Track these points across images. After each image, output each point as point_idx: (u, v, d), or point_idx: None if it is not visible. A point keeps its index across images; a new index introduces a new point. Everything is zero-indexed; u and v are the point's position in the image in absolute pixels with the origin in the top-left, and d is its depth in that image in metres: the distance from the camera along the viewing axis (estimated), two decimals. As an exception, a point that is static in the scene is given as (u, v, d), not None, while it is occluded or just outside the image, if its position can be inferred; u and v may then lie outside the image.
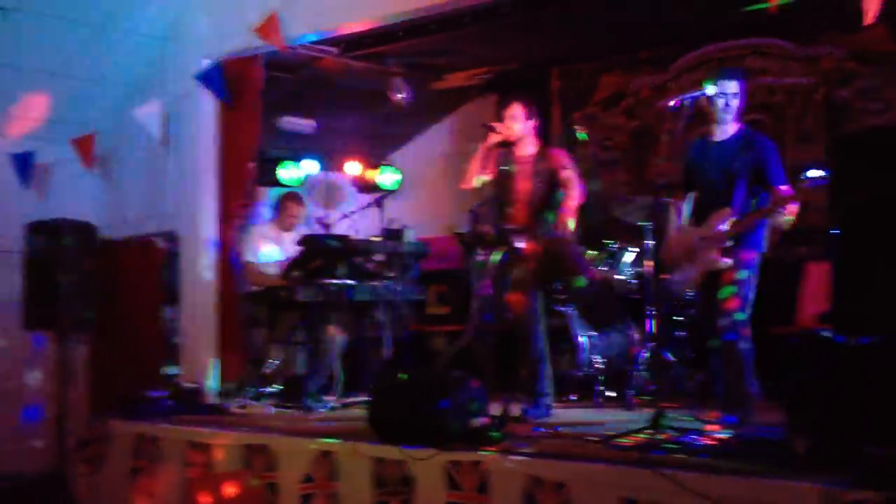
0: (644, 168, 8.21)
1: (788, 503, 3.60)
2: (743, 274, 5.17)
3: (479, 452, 4.59)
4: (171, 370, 7.40)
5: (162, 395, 6.58)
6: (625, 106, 8.39)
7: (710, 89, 5.13)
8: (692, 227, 5.41)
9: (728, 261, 5.18)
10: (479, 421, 4.90)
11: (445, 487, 4.61)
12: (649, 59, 8.29)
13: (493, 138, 5.80)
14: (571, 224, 5.66)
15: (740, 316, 5.13)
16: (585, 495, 4.18)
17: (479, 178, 5.83)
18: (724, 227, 5.20)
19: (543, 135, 6.05)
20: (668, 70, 8.09)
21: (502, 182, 5.89)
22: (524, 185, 5.82)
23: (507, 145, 5.90)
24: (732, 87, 5.25)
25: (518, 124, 5.85)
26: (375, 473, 4.88)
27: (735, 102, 5.27)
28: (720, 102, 5.24)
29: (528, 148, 5.91)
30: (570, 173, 5.76)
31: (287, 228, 7.34)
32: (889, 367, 3.72)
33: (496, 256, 5.61)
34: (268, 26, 6.76)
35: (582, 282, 5.94)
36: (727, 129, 5.31)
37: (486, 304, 5.49)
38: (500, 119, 5.93)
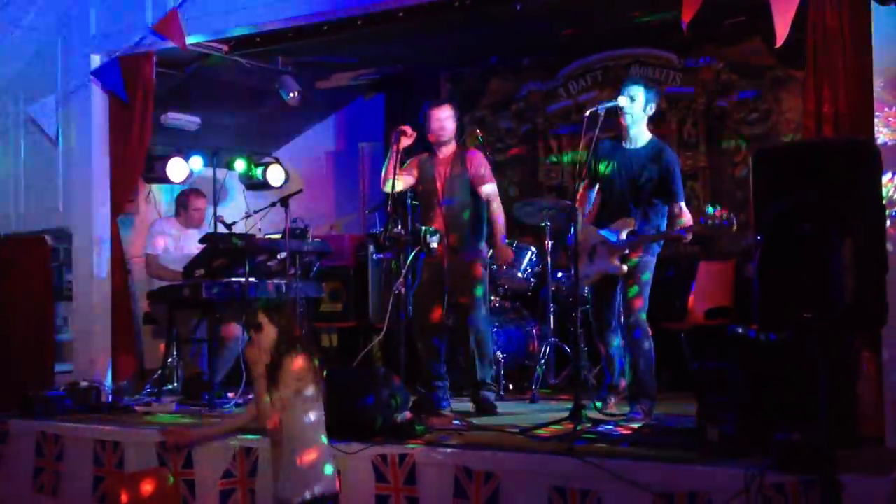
0: (535, 169, 8.53)
1: (713, 487, 3.90)
2: (647, 276, 5.51)
3: (406, 445, 4.74)
4: (62, 367, 7.22)
5: (60, 393, 6.43)
6: (514, 109, 8.67)
7: (622, 100, 5.42)
8: (594, 229, 5.67)
9: (624, 267, 5.50)
10: (402, 416, 5.06)
11: (373, 480, 4.74)
12: (534, 65, 8.60)
13: (405, 141, 5.93)
14: (500, 237, 5.93)
15: (644, 315, 5.47)
16: (515, 485, 4.39)
17: (398, 180, 5.90)
18: (624, 237, 5.50)
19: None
20: (556, 77, 8.41)
21: (425, 184, 6.04)
22: (442, 187, 5.98)
23: (431, 148, 6.05)
24: (649, 95, 5.50)
25: (450, 124, 6.01)
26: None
27: (649, 110, 5.52)
28: (630, 111, 5.50)
29: (450, 149, 6.07)
30: (491, 188, 6.00)
31: (193, 224, 7.29)
32: (796, 358, 4.09)
33: (410, 256, 5.76)
34: (168, 23, 6.68)
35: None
36: (637, 136, 5.57)
37: (401, 304, 5.63)
38: (415, 120, 6.06)
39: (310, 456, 4.38)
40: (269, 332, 4.42)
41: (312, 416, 4.40)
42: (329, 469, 4.42)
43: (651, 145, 5.57)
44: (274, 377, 4.38)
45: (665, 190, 5.47)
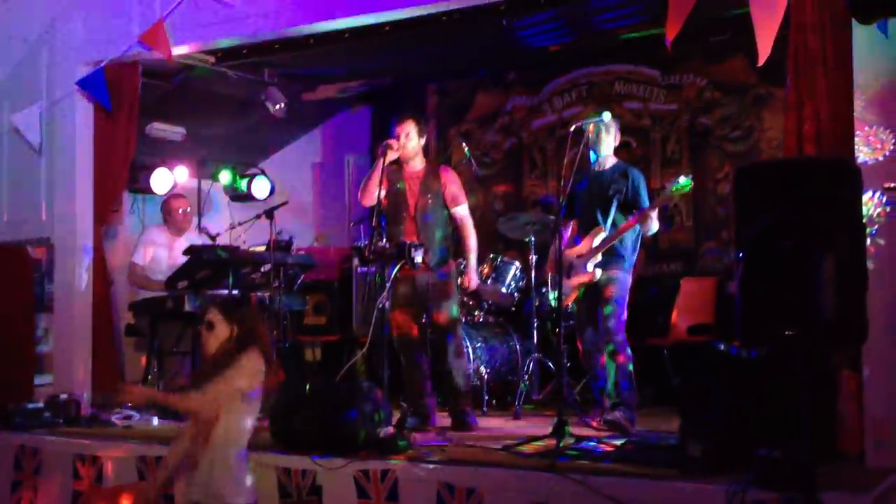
0: (520, 184, 8.55)
1: (695, 503, 3.91)
2: (619, 294, 5.63)
3: (388, 461, 4.73)
4: (42, 380, 7.18)
5: (39, 406, 6.39)
6: (500, 124, 8.70)
7: (607, 115, 5.49)
8: (570, 250, 5.79)
9: (599, 272, 5.58)
10: (385, 430, 5.04)
11: (355, 496, 4.73)
12: (519, 80, 8.63)
13: (391, 155, 5.93)
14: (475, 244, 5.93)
15: (620, 334, 5.54)
16: (497, 501, 4.38)
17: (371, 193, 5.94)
18: (596, 242, 5.62)
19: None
20: (542, 92, 8.44)
21: (393, 199, 6.03)
22: (414, 202, 5.98)
23: (397, 162, 6.05)
24: (612, 121, 5.74)
25: (412, 141, 6.01)
26: (281, 483, 4.94)
27: (613, 137, 5.78)
28: (603, 133, 5.69)
29: (418, 164, 6.08)
30: (464, 209, 6.05)
31: (178, 231, 7.28)
32: (778, 375, 4.11)
33: (394, 270, 5.76)
34: (154, 34, 6.66)
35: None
36: (604, 161, 5.80)
37: (385, 317, 5.62)
38: (387, 135, 6.07)
39: (238, 461, 4.23)
40: (221, 332, 4.23)
41: (249, 421, 4.26)
42: (250, 479, 4.28)
43: (617, 166, 5.83)
44: (222, 369, 4.17)
45: (632, 203, 5.66)
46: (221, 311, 4.28)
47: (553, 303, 6.15)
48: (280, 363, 6.31)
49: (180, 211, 7.38)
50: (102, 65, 6.92)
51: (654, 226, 5.58)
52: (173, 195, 7.60)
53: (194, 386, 4.33)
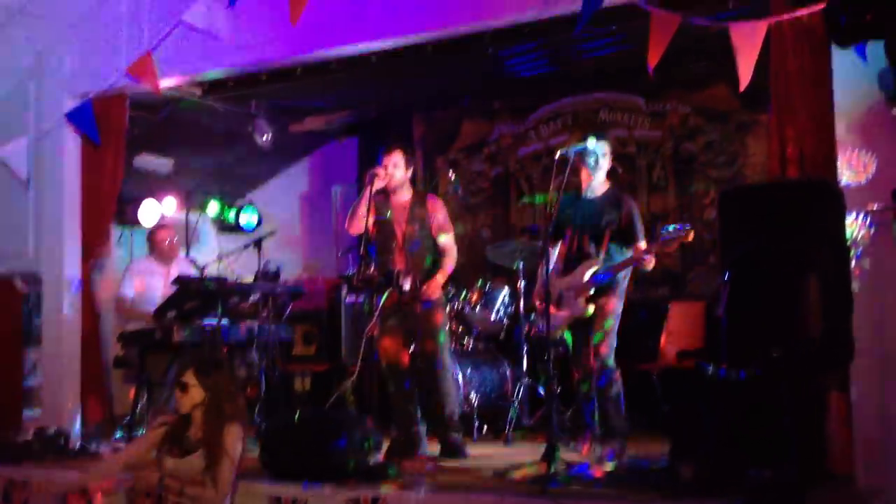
0: (506, 212, 8.60)
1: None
2: (610, 322, 5.59)
3: (379, 489, 4.72)
4: (30, 413, 7.15)
5: (27, 439, 6.36)
6: (487, 153, 8.75)
7: (591, 142, 5.51)
8: (559, 277, 5.76)
9: (591, 308, 5.56)
10: (375, 458, 5.04)
11: (346, 524, 4.72)
12: (505, 109, 8.70)
13: (378, 183, 5.95)
14: (442, 281, 5.91)
15: (610, 360, 5.54)
16: (488, 527, 4.38)
17: (360, 222, 5.93)
18: (588, 277, 5.59)
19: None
20: (527, 120, 8.51)
21: (381, 228, 6.05)
22: (402, 231, 6.00)
23: (385, 192, 6.07)
24: (604, 147, 5.67)
25: (399, 171, 6.03)
26: (271, 512, 4.93)
27: (606, 162, 5.68)
28: (592, 160, 5.64)
29: (405, 194, 6.11)
30: (448, 238, 6.02)
31: (166, 259, 7.28)
32: (767, 397, 4.13)
33: (382, 299, 5.77)
34: (142, 66, 6.69)
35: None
36: (597, 186, 5.72)
37: (374, 346, 5.62)
38: (375, 165, 6.09)
39: None
40: (195, 395, 4.23)
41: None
42: None
43: (610, 193, 5.74)
44: (213, 456, 4.14)
45: (626, 235, 5.60)
46: (196, 375, 4.27)
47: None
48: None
49: (167, 242, 7.38)
50: (90, 97, 6.96)
51: (650, 266, 5.55)
52: (158, 226, 7.66)
53: (177, 451, 4.26)
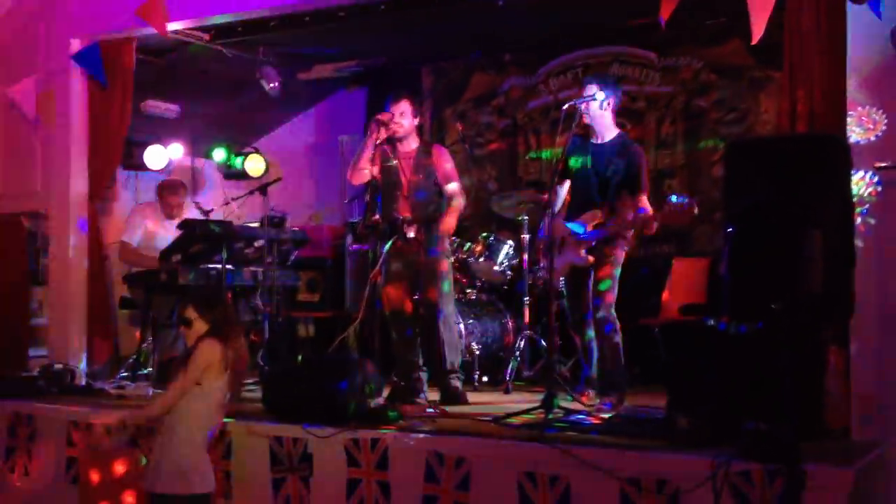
0: (514, 165, 8.57)
1: (680, 475, 3.95)
2: (618, 271, 5.58)
3: (379, 431, 4.77)
4: (36, 352, 7.21)
5: (33, 375, 6.42)
6: (496, 104, 8.70)
7: (598, 94, 5.48)
8: (562, 222, 5.73)
9: (590, 258, 5.57)
10: (375, 402, 5.09)
11: (345, 464, 4.77)
12: (514, 62, 8.64)
13: (383, 133, 5.93)
14: (451, 225, 5.90)
15: (613, 310, 5.54)
16: (485, 470, 4.42)
17: (364, 171, 5.94)
18: (591, 229, 5.58)
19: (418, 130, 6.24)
20: (537, 73, 8.46)
21: (387, 177, 6.04)
22: (407, 180, 5.99)
23: (391, 141, 6.06)
24: (607, 90, 5.58)
25: (407, 120, 6.01)
26: (273, 452, 4.99)
27: (598, 108, 5.58)
28: (600, 107, 5.58)
29: (412, 143, 6.09)
30: (455, 186, 5.98)
31: (169, 217, 7.29)
32: (766, 351, 4.15)
33: (387, 246, 5.79)
34: (151, 8, 6.67)
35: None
36: (605, 133, 5.67)
37: (377, 293, 5.65)
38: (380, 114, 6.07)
39: (190, 449, 4.38)
40: (199, 328, 4.41)
41: (202, 407, 4.41)
42: (207, 467, 4.45)
43: (618, 140, 5.68)
44: (184, 366, 4.38)
45: (630, 183, 5.55)
46: (196, 309, 4.45)
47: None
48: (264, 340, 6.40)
49: (171, 205, 7.38)
50: (98, 39, 6.94)
51: (652, 230, 5.52)
52: (168, 188, 7.52)
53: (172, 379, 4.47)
